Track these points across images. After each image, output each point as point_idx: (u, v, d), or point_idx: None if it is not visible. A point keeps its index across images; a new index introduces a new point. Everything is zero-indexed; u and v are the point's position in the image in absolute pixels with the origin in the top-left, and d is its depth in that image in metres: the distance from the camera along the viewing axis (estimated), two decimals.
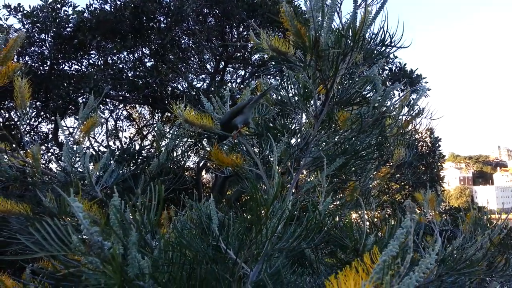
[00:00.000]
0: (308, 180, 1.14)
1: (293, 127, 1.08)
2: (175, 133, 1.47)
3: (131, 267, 0.69)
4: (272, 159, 1.00)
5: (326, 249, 0.99)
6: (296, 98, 1.05)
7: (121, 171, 1.61)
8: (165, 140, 1.82)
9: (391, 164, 1.58)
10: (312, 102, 1.02)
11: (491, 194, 71.21)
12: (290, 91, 1.03)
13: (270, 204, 0.68)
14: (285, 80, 1.07)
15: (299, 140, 1.04)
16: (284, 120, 1.12)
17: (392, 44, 0.90)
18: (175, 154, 1.81)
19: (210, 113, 1.09)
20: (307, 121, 1.12)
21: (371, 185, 1.45)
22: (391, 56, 5.47)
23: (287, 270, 0.91)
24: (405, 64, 5.54)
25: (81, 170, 1.50)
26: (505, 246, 1.04)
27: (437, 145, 5.68)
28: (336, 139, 1.00)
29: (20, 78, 1.31)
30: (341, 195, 1.34)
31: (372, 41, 0.90)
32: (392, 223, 1.02)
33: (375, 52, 0.92)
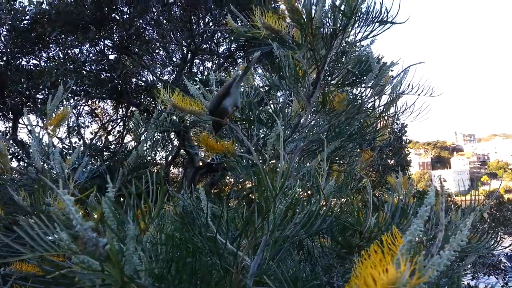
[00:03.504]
0: (302, 165, 1.11)
1: (285, 110, 1.04)
2: (155, 122, 1.40)
3: (127, 263, 0.63)
4: (267, 144, 0.96)
5: (326, 233, 0.96)
6: (286, 80, 1.01)
7: (94, 166, 1.52)
8: (140, 132, 1.74)
9: (373, 147, 1.57)
10: (304, 83, 0.98)
11: (449, 178, 74.02)
12: (282, 71, 0.99)
13: (279, 190, 0.64)
14: (276, 61, 1.03)
15: (292, 123, 1.00)
16: (275, 105, 1.08)
17: (388, 20, 0.87)
18: (145, 148, 1.73)
19: (196, 98, 1.03)
20: (297, 104, 1.09)
21: (357, 169, 1.43)
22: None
23: (286, 258, 0.87)
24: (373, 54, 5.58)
25: (50, 167, 1.41)
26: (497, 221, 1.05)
27: (404, 131, 5.80)
28: (332, 121, 0.96)
29: None
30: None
31: (367, 17, 0.87)
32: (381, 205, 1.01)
33: (371, 28, 0.89)
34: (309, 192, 1.08)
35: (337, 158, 1.19)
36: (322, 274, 0.93)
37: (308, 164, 1.03)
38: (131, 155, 1.52)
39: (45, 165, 1.41)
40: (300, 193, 0.85)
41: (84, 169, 1.47)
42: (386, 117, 1.25)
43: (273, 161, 1.01)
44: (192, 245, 0.75)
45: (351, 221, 0.81)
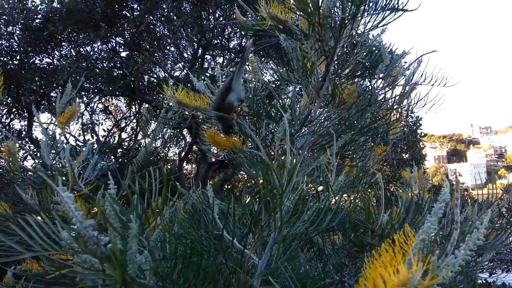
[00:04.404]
0: (312, 160, 1.08)
1: (292, 104, 1.01)
2: (163, 118, 1.39)
3: (131, 263, 0.61)
4: (275, 139, 0.93)
5: (337, 231, 0.93)
6: (295, 73, 0.98)
7: (104, 164, 1.52)
8: (149, 129, 1.73)
9: (386, 141, 1.54)
10: (313, 75, 0.95)
11: (465, 171, 73.00)
12: (289, 64, 0.96)
13: (285, 186, 0.61)
14: (277, 55, 1.00)
15: (301, 117, 0.97)
16: (283, 99, 1.05)
17: (399, 8, 0.84)
18: (156, 144, 1.72)
19: (202, 94, 1.01)
20: (307, 97, 1.06)
21: (370, 164, 1.40)
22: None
23: (296, 256, 0.85)
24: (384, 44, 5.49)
25: (60, 165, 1.41)
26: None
27: (418, 124, 5.70)
28: (342, 114, 0.93)
29: None
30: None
31: (377, 4, 0.84)
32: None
33: (381, 17, 0.85)
34: (319, 188, 1.05)
35: (349, 153, 1.15)
36: (334, 272, 0.90)
37: (317, 159, 1.00)
38: (140, 153, 1.51)
39: (54, 163, 1.40)
40: (310, 189, 0.83)
41: (94, 167, 1.46)
42: (399, 110, 1.21)
43: (283, 157, 0.98)
44: (197, 243, 0.73)
45: (362, 218, 0.78)
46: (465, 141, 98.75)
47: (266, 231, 0.69)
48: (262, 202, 0.66)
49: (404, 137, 5.39)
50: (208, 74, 4.10)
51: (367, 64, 0.94)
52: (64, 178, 1.36)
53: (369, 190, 1.43)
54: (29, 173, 1.45)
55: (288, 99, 1.18)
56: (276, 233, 0.72)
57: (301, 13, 0.80)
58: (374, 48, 0.95)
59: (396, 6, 0.83)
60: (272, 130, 1.06)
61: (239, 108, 1.04)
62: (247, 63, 1.21)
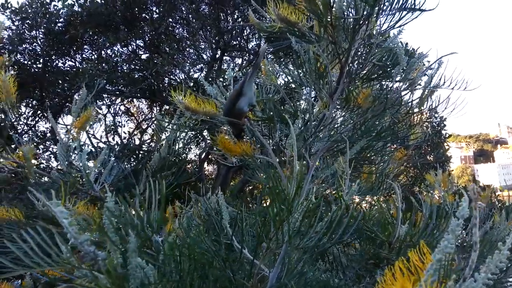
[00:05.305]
0: (325, 166, 1.04)
1: (308, 108, 0.97)
2: (176, 124, 1.36)
3: (132, 278, 0.59)
4: (285, 145, 0.90)
5: (351, 242, 0.89)
6: (307, 76, 0.95)
7: (121, 168, 1.51)
8: (165, 133, 1.72)
9: (407, 145, 1.48)
10: (326, 79, 0.91)
11: (493, 172, 71.15)
12: (301, 67, 0.92)
13: (293, 197, 0.57)
14: (294, 57, 0.96)
15: (313, 122, 0.93)
16: (295, 103, 1.02)
17: (416, 7, 0.79)
18: (176, 147, 1.71)
19: (213, 98, 0.98)
20: (320, 101, 1.02)
21: (388, 169, 1.34)
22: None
23: (308, 267, 0.81)
24: (406, 43, 5.37)
25: (78, 168, 1.40)
26: None
27: (443, 125, 5.55)
28: (356, 119, 0.89)
29: (3, 72, 1.21)
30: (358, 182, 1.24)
31: (392, 4, 0.79)
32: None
33: (398, 17, 0.81)
34: (335, 195, 1.01)
35: (368, 157, 1.11)
36: (351, 284, 0.86)
37: (332, 166, 0.96)
38: (154, 157, 1.49)
39: (70, 167, 1.40)
40: (323, 197, 0.79)
41: (111, 171, 1.45)
42: (419, 113, 1.16)
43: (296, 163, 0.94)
44: (204, 254, 0.71)
45: (378, 231, 0.74)
46: (492, 141, 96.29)
47: (274, 244, 0.66)
48: (269, 214, 0.62)
49: (428, 138, 5.25)
50: (226, 76, 4.10)
51: (387, 63, 0.89)
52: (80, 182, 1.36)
53: (389, 196, 1.38)
54: (45, 178, 1.45)
55: (302, 103, 1.14)
56: (287, 245, 0.69)
57: (312, 14, 0.77)
58: (391, 49, 0.91)
59: (413, 6, 0.78)
60: (286, 135, 1.02)
61: (252, 112, 1.01)
62: (261, 65, 1.19)
